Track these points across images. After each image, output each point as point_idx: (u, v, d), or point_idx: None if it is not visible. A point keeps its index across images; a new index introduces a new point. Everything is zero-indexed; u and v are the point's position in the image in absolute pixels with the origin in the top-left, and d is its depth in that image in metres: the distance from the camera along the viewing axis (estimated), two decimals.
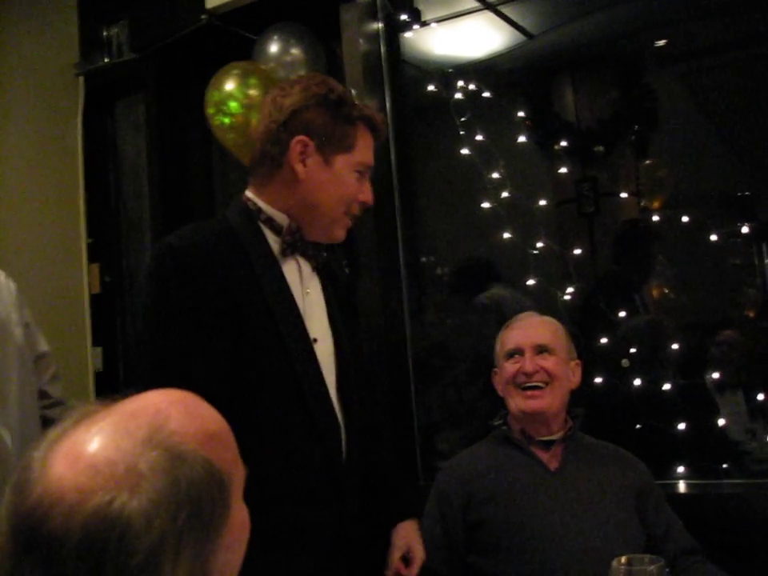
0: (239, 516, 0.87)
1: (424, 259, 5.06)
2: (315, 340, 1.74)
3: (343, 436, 1.74)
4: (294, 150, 1.71)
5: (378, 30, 3.00)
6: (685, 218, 3.97)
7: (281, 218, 1.74)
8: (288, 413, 1.64)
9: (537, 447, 2.12)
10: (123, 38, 3.49)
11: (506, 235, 3.01)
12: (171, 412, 0.85)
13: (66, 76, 3.48)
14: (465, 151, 3.04)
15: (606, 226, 4.74)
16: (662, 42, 4.78)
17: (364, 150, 1.77)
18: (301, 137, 1.71)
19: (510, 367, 2.16)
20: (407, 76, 3.28)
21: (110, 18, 3.46)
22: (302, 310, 1.73)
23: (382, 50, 3.00)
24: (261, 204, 1.76)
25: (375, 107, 3.00)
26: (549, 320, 2.24)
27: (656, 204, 4.56)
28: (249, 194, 1.79)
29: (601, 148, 5.03)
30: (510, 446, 2.14)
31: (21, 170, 3.30)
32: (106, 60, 3.47)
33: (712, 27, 4.55)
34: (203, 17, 2.85)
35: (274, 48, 2.83)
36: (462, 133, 3.09)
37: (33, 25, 3.34)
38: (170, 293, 1.60)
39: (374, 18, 2.99)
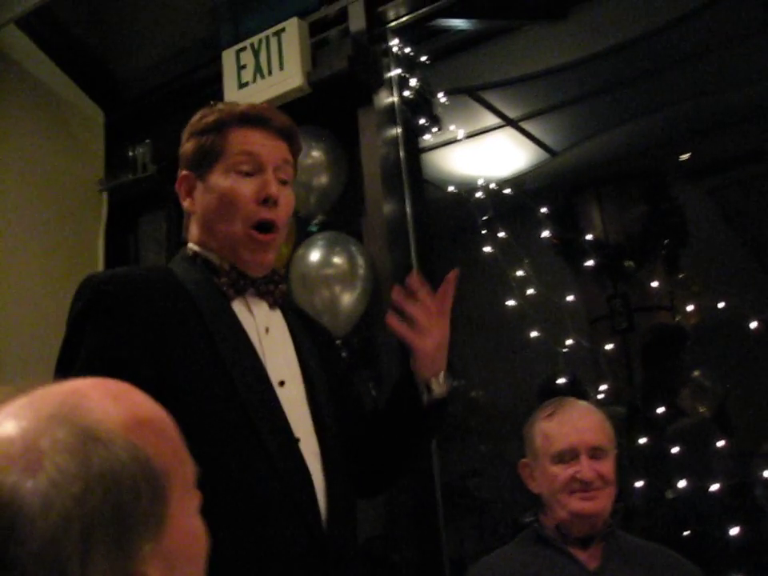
0: (186, 524, 0.74)
1: (455, 383, 4.94)
2: (282, 383, 1.50)
3: (322, 495, 1.46)
4: (180, 189, 1.57)
5: (396, 135, 2.99)
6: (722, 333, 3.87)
7: (217, 261, 1.54)
8: (248, 472, 1.39)
9: (573, 546, 1.91)
10: (147, 158, 3.54)
11: (534, 335, 2.89)
12: (91, 393, 0.73)
13: (89, 191, 3.50)
14: (488, 253, 2.96)
15: (641, 342, 4.61)
16: (685, 156, 4.78)
17: (239, 142, 1.52)
18: (181, 172, 1.58)
19: (562, 473, 1.92)
20: (427, 183, 3.26)
21: (136, 137, 3.52)
22: (259, 349, 1.49)
23: (401, 153, 2.98)
24: (195, 248, 1.57)
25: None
26: (595, 412, 2.01)
27: (691, 320, 4.45)
28: (188, 245, 1.61)
29: (631, 263, 4.98)
30: (544, 545, 1.94)
31: (40, 284, 3.27)
32: (129, 176, 3.51)
33: (737, 139, 4.55)
34: None
35: None
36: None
37: (60, 141, 3.41)
38: (81, 329, 1.38)
39: (393, 123, 2.99)
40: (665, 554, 1.96)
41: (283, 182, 1.56)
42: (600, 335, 4.85)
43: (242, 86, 3.06)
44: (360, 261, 2.89)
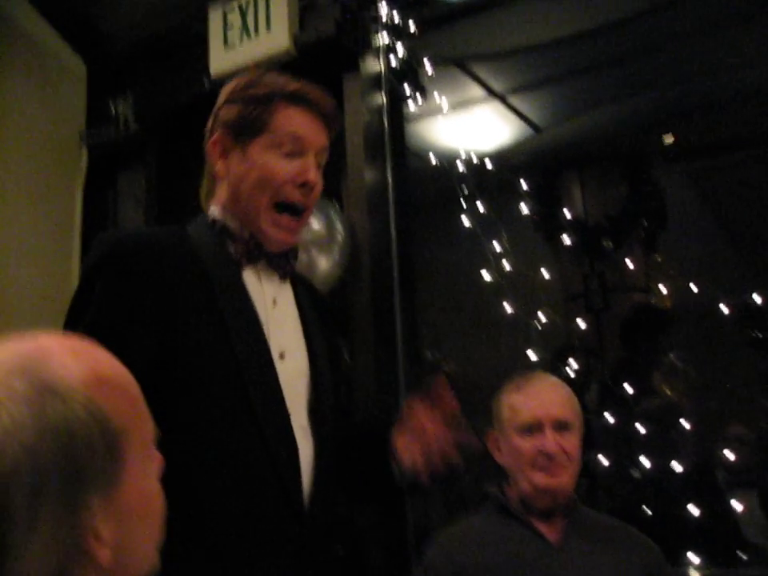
0: (141, 484, 0.75)
1: (429, 354, 4.94)
2: (282, 355, 1.50)
3: (308, 469, 1.47)
4: (213, 150, 1.57)
5: (381, 104, 2.97)
6: (696, 317, 3.91)
7: (234, 225, 1.55)
8: (236, 441, 1.39)
9: (536, 519, 1.94)
10: (129, 113, 3.50)
11: (508, 309, 2.90)
12: (55, 349, 0.74)
13: (70, 145, 3.46)
14: (467, 226, 2.96)
15: (616, 322, 4.65)
16: (670, 139, 4.78)
17: (286, 122, 1.53)
18: (216, 134, 1.57)
19: (527, 446, 1.93)
20: (410, 153, 3.24)
21: (119, 90, 3.48)
22: (264, 320, 1.50)
23: (385, 121, 2.96)
24: (216, 215, 1.57)
25: (376, 173, 2.93)
26: (563, 386, 2.03)
27: (666, 302, 4.49)
28: (209, 210, 1.62)
29: (609, 243, 4.99)
30: (507, 516, 1.96)
31: (17, 236, 3.24)
32: (111, 132, 3.47)
33: (722, 125, 4.56)
34: (205, 82, 2.83)
35: None
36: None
37: (41, 91, 3.35)
38: (92, 283, 1.39)
39: (378, 91, 2.97)
40: (626, 530, 1.99)
41: (318, 166, 1.56)
42: (575, 313, 4.87)
43: (228, 45, 3.03)
44: (338, 226, 2.88)
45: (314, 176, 1.53)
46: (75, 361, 0.73)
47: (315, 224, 2.88)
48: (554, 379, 2.06)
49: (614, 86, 4.24)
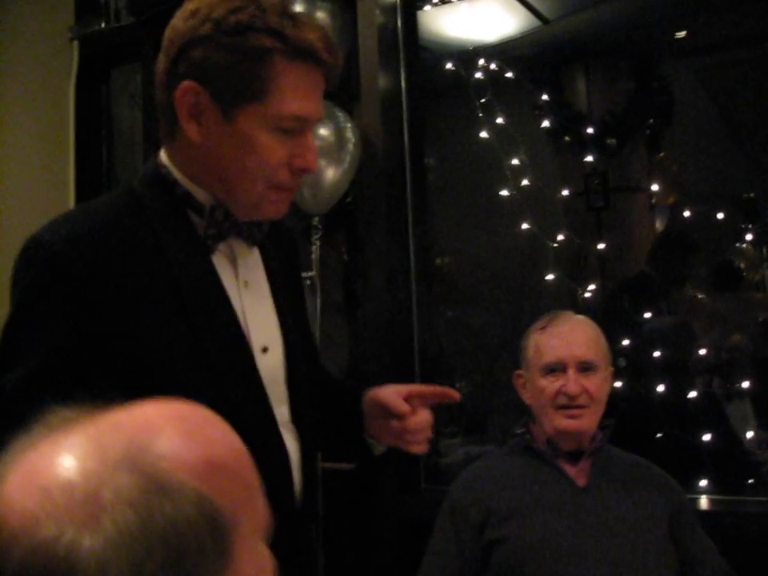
0: (249, 566, 0.68)
1: (438, 261, 4.88)
2: (265, 349, 1.32)
3: (296, 473, 1.33)
4: (181, 102, 1.22)
5: (395, 3, 2.82)
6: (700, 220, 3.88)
7: (202, 197, 1.28)
8: None
9: (563, 460, 1.93)
10: (122, 3, 3.31)
11: (524, 226, 2.84)
12: (165, 429, 0.67)
13: (60, 40, 3.27)
14: (483, 135, 2.87)
15: (616, 222, 4.60)
16: (681, 34, 4.62)
17: (289, 94, 1.22)
18: (188, 83, 1.22)
19: (549, 386, 1.91)
20: (423, 53, 3.10)
21: None
22: (240, 312, 1.29)
23: (399, 23, 2.82)
24: (176, 174, 1.29)
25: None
26: (590, 326, 1.98)
27: (667, 201, 4.44)
28: (163, 156, 1.32)
29: (613, 141, 4.88)
30: (534, 457, 1.96)
31: (9, 135, 3.11)
32: (102, 25, 3.27)
33: (732, 22, 4.39)
34: None
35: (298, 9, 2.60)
36: (480, 115, 2.91)
37: None
38: (32, 310, 1.18)
39: None
40: (650, 469, 1.99)
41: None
42: (574, 212, 4.81)
43: None
44: (349, 135, 2.77)
45: (315, 159, 1.29)
46: (187, 444, 0.66)
47: (324, 131, 2.75)
48: (581, 318, 2.02)
49: None
